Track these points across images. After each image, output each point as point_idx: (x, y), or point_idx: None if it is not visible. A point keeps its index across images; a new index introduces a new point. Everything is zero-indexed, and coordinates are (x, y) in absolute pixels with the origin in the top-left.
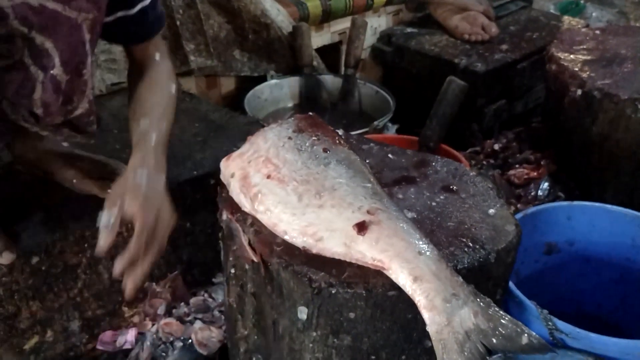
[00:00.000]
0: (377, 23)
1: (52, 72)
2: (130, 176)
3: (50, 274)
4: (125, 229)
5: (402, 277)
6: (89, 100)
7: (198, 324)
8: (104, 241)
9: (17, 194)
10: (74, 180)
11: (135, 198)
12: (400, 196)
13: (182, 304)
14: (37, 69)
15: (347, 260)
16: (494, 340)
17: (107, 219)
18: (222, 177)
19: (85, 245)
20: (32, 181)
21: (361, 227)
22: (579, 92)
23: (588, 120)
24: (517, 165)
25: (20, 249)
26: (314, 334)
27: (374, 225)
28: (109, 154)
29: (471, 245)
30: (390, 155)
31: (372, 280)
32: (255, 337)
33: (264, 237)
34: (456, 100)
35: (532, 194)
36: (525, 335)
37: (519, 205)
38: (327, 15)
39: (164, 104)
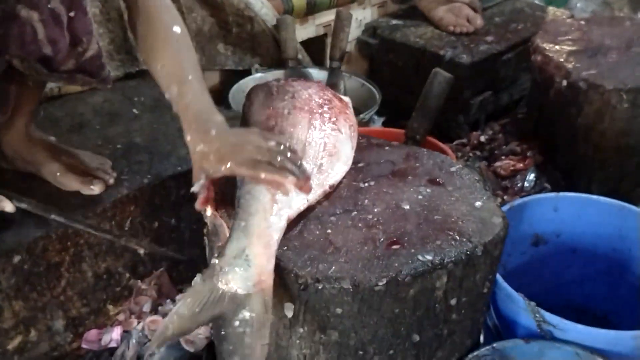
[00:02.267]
0: (362, 15)
1: (49, 6)
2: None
3: (33, 273)
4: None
5: None
6: (96, 41)
7: None
8: (200, 201)
9: None
10: (58, 174)
11: (221, 162)
12: (387, 190)
13: (168, 300)
14: (28, 10)
15: None
16: None
17: (197, 187)
18: None
19: (68, 243)
20: (14, 179)
21: None
22: (564, 82)
23: (573, 111)
24: (503, 157)
25: (2, 248)
26: (301, 330)
27: None
28: (92, 150)
29: (458, 238)
30: (376, 149)
31: (359, 275)
32: None
33: None
34: (442, 92)
35: (519, 185)
36: None
37: (505, 197)
38: (312, 8)
39: (175, 41)
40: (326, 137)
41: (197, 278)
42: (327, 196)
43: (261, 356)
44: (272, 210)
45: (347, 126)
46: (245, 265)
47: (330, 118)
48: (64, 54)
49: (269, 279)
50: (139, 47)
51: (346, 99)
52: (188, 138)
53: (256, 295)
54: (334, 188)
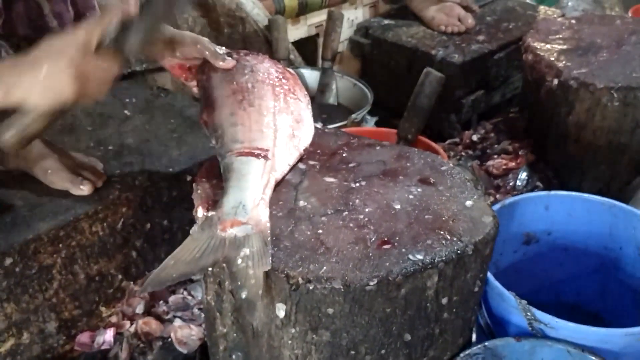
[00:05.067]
0: (353, 15)
1: None
2: None
3: (25, 275)
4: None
5: None
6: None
7: (177, 323)
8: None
9: None
10: (49, 172)
11: None
12: (378, 190)
13: (161, 302)
14: None
15: None
16: None
17: None
18: None
19: (60, 245)
20: (6, 177)
21: None
22: (556, 81)
23: (565, 109)
24: (495, 156)
25: None
26: (293, 330)
27: None
28: (83, 152)
29: (449, 237)
30: (367, 149)
31: (350, 275)
32: (235, 334)
33: None
34: (433, 91)
35: (511, 184)
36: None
37: (497, 196)
38: (304, 8)
39: None
40: (291, 106)
41: (195, 227)
42: (317, 196)
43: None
44: (262, 172)
45: (302, 95)
46: (243, 213)
47: (289, 89)
48: (69, 29)
49: (265, 225)
50: None
51: (292, 71)
52: None
53: (255, 235)
54: (307, 152)
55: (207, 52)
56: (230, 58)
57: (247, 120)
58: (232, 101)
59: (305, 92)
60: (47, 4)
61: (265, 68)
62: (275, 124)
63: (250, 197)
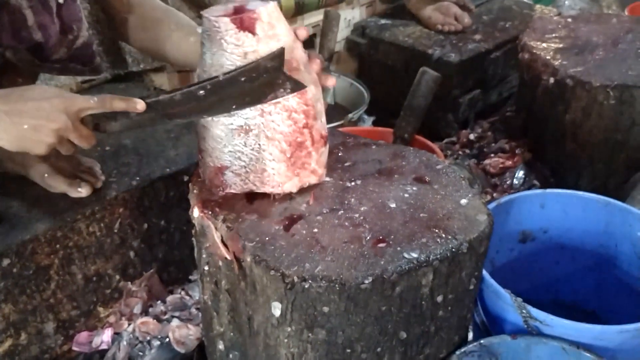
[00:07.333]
0: (350, 15)
1: None
2: None
3: (22, 276)
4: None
5: None
6: (87, 28)
7: (175, 322)
8: None
9: None
10: (45, 175)
11: None
12: (374, 188)
13: (159, 302)
14: None
15: None
16: None
17: None
18: None
19: (57, 246)
20: (3, 181)
21: None
22: (552, 80)
23: (561, 108)
24: (492, 155)
25: None
26: (289, 329)
27: None
28: (80, 153)
29: (444, 235)
30: (363, 148)
31: (346, 273)
32: (231, 333)
33: (236, 233)
34: (429, 91)
35: (508, 182)
36: None
37: (495, 194)
38: (300, 8)
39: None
40: None
41: None
42: (314, 196)
43: None
44: None
45: None
46: None
47: None
48: (55, 41)
49: None
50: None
51: None
52: None
53: None
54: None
55: None
56: None
57: None
58: None
59: None
60: (31, 16)
61: None
62: None
63: None
